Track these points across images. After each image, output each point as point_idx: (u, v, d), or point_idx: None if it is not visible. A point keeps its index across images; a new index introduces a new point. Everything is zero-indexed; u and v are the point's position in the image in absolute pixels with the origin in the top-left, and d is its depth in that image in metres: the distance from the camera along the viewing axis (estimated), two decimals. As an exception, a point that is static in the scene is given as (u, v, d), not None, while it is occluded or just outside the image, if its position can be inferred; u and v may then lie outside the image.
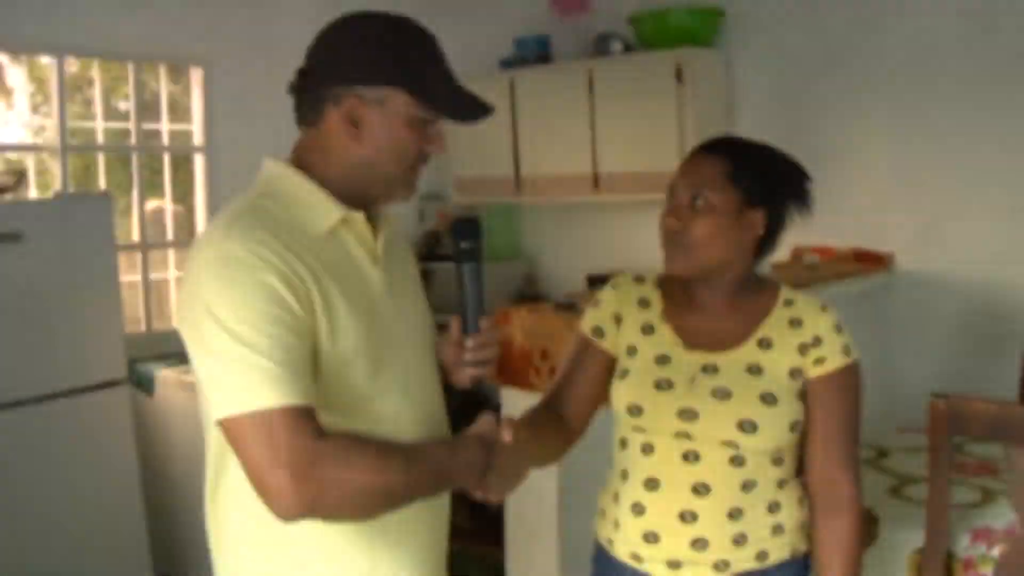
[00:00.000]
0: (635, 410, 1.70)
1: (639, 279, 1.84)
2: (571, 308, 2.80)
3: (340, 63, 1.42)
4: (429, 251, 4.85)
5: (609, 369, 1.79)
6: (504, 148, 4.45)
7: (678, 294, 1.79)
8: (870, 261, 3.65)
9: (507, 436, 1.48)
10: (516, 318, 2.85)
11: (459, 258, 1.58)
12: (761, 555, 1.66)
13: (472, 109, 1.48)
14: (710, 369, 1.68)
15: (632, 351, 1.76)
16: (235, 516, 1.44)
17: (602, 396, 1.81)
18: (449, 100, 1.46)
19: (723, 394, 1.64)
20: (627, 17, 4.07)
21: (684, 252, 1.67)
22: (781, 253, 3.60)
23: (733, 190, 1.67)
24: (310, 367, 1.34)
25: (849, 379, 1.68)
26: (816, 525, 1.69)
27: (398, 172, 1.47)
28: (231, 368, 1.29)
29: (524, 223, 4.98)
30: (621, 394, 1.74)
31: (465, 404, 4.53)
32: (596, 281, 3.95)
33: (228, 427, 1.30)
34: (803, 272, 3.39)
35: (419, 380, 1.54)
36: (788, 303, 1.73)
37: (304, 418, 1.29)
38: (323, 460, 1.28)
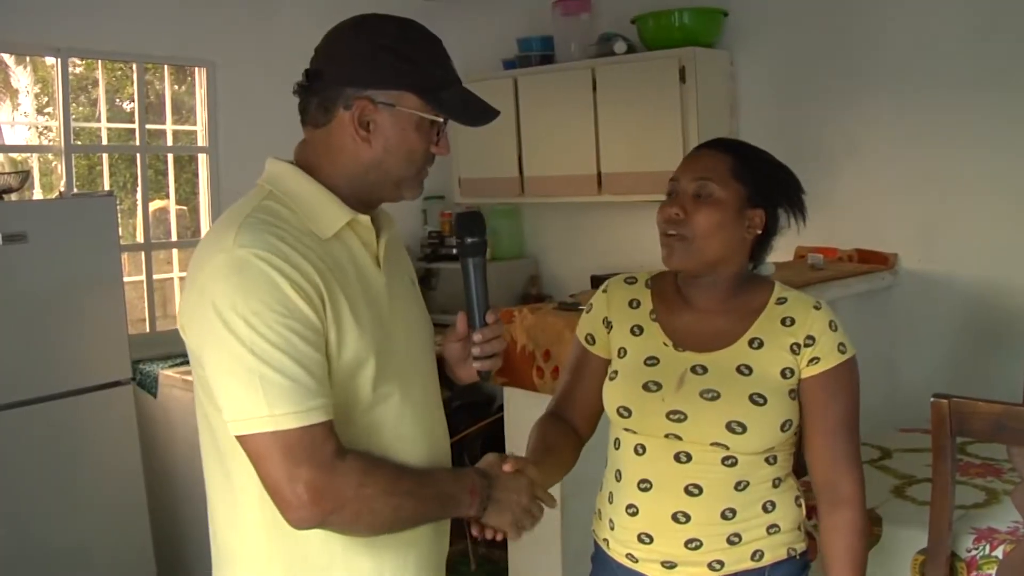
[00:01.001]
0: (624, 412, 1.70)
1: (630, 280, 1.84)
2: (574, 308, 2.80)
3: (352, 66, 1.42)
4: (433, 252, 4.86)
5: (605, 373, 1.80)
6: (508, 149, 4.45)
7: (670, 294, 1.78)
8: (873, 261, 3.65)
9: (508, 467, 1.53)
10: (519, 318, 2.85)
11: (464, 253, 1.58)
12: (756, 555, 1.66)
13: (479, 113, 1.49)
14: (699, 369, 1.68)
15: (622, 352, 1.76)
16: (239, 520, 1.44)
17: (602, 403, 1.81)
18: (458, 104, 1.47)
19: (712, 395, 1.64)
20: (630, 17, 4.07)
21: (685, 245, 1.67)
22: (785, 254, 3.62)
23: (737, 186, 1.67)
24: (326, 378, 1.34)
25: (845, 376, 1.67)
26: (821, 522, 1.70)
27: (406, 174, 1.48)
28: (248, 382, 1.29)
29: (528, 224, 4.98)
30: (611, 396, 1.74)
31: (466, 405, 4.53)
32: (600, 281, 3.94)
33: (247, 442, 1.31)
34: (807, 272, 3.39)
35: (420, 383, 1.55)
36: (781, 301, 1.72)
37: (323, 436, 1.31)
38: (341, 479, 1.31)
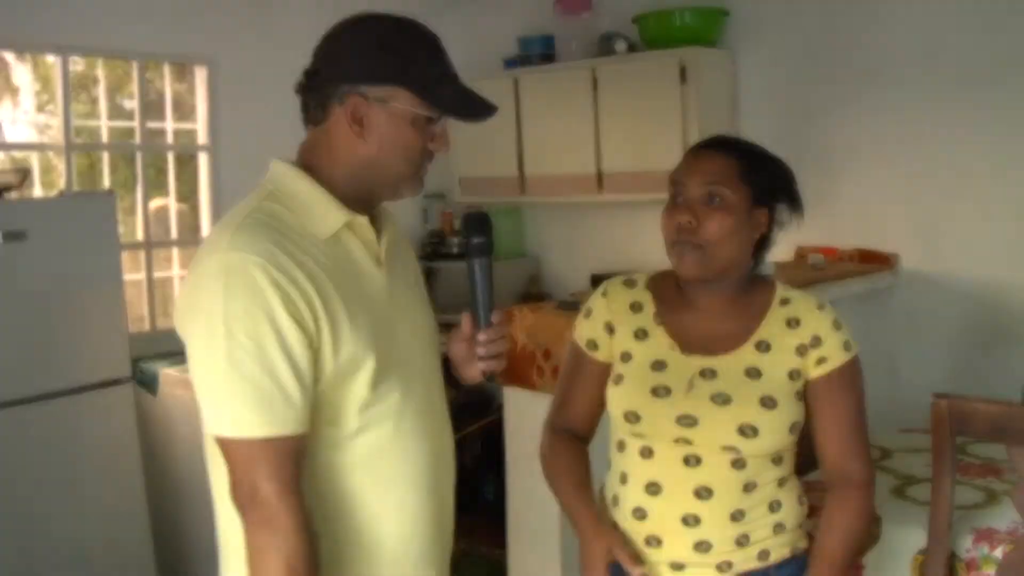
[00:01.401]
0: (632, 417, 1.68)
1: (629, 282, 1.81)
2: (575, 308, 2.79)
3: (345, 62, 1.43)
4: (433, 251, 4.86)
5: (607, 377, 1.78)
6: (508, 148, 4.45)
7: (671, 295, 1.76)
8: (874, 261, 3.65)
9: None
10: (519, 318, 2.85)
11: (470, 253, 1.57)
12: (763, 554, 1.66)
13: (476, 108, 1.48)
14: (708, 374, 1.66)
15: (627, 357, 1.74)
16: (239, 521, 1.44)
17: (604, 403, 1.79)
18: (452, 99, 1.46)
19: (723, 399, 1.63)
20: (631, 17, 4.08)
21: (700, 254, 1.64)
22: (786, 253, 3.61)
23: (745, 188, 1.65)
24: (301, 391, 1.34)
25: (852, 373, 1.68)
26: (828, 499, 1.69)
27: (403, 171, 1.48)
28: (216, 385, 1.32)
29: (528, 223, 4.98)
30: (617, 400, 1.72)
31: (466, 404, 4.52)
32: (600, 280, 3.94)
33: (217, 440, 1.35)
34: (807, 272, 3.39)
35: (423, 382, 1.54)
36: (784, 302, 1.72)
37: (285, 453, 1.32)
38: (282, 508, 1.31)
